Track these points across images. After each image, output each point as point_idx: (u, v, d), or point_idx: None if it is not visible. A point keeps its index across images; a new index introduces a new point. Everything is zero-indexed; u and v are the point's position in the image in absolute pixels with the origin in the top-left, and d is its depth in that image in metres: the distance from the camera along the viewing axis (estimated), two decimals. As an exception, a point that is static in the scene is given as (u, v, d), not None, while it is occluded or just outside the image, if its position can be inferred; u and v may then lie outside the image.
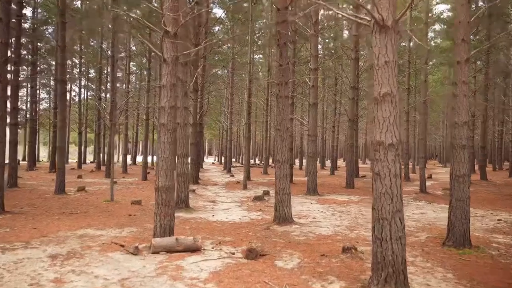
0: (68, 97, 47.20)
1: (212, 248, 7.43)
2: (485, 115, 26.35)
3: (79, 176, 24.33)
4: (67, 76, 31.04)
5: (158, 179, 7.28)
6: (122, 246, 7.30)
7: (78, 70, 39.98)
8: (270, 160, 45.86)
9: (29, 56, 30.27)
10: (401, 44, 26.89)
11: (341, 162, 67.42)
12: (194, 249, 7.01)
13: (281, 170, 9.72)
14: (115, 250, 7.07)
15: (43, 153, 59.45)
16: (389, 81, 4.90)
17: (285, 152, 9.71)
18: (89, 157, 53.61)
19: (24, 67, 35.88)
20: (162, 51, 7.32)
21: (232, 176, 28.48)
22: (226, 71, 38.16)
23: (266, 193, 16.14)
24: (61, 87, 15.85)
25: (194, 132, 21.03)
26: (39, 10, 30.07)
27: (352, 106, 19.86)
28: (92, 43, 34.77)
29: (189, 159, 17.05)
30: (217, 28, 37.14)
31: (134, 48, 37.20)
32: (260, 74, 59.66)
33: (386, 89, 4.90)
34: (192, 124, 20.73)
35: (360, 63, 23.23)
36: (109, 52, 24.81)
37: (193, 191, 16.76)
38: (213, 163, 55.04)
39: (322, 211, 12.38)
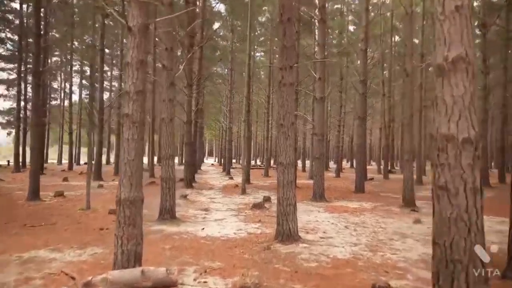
0: (62, 96, 45.45)
1: (194, 280, 5.58)
2: None
3: (65, 179, 22.50)
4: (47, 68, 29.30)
5: (120, 190, 5.42)
6: (73, 278, 5.46)
7: (69, 67, 38.19)
8: (272, 161, 44.03)
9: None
10: None
11: (344, 164, 65.30)
12: (167, 285, 5.15)
13: (284, 175, 7.86)
14: (60, 286, 5.22)
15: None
16: (462, 38, 3.05)
17: (289, 152, 7.85)
18: (85, 158, 51.84)
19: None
20: (126, 17, 5.47)
21: (231, 178, 26.62)
22: (226, 70, 36.37)
23: (267, 199, 14.27)
24: (35, 79, 14.01)
25: (188, 131, 19.19)
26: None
27: (361, 102, 17.98)
28: (86, 39, 33.01)
29: (181, 160, 15.27)
30: (217, 25, 35.44)
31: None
32: (262, 73, 57.95)
33: (458, 51, 3.05)
34: (186, 122, 18.94)
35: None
36: (97, 44, 23.02)
37: (185, 196, 14.90)
38: (212, 164, 53.19)
39: (333, 223, 10.50)
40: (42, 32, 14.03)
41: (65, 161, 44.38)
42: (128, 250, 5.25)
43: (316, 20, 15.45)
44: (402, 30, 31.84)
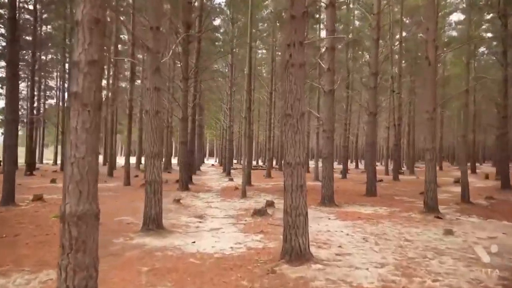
0: (58, 94, 43.98)
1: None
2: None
3: (52, 180, 20.98)
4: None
5: (64, 201, 3.83)
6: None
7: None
8: (274, 162, 42.46)
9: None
10: None
11: (347, 164, 63.56)
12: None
13: (293, 178, 6.29)
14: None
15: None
16: None
17: (299, 150, 6.28)
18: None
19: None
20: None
21: (231, 179, 25.05)
22: (226, 68, 34.85)
23: (270, 204, 12.70)
24: (11, 69, 12.48)
25: (184, 128, 17.63)
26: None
27: (372, 96, 16.40)
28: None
29: (173, 161, 13.75)
30: (218, 21, 33.92)
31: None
32: (264, 71, 56.38)
33: None
34: (181, 119, 17.38)
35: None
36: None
37: (178, 201, 13.34)
38: (212, 164, 51.66)
39: (348, 234, 8.91)
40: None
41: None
42: (75, 286, 3.68)
43: (324, 5, 13.86)
44: (411, 24, 30.42)
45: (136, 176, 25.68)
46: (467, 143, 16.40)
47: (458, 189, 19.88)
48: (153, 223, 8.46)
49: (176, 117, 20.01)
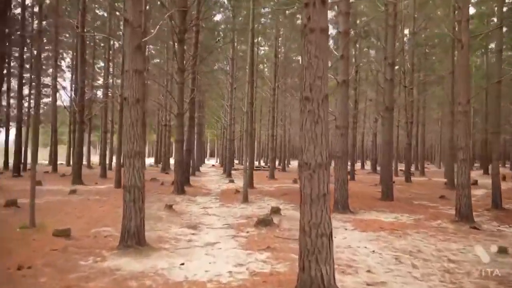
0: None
1: None
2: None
3: (38, 183, 19.29)
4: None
5: None
6: None
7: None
8: (277, 162, 40.80)
9: None
10: None
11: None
12: None
13: (313, 185, 4.61)
14: None
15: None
16: None
17: (321, 146, 4.61)
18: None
19: None
20: None
21: (232, 181, 23.39)
22: (227, 66, 33.25)
23: (276, 210, 11.02)
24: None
25: (180, 125, 15.99)
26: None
27: (389, 89, 14.72)
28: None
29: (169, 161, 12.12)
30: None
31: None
32: (265, 69, 54.71)
33: None
34: (177, 114, 15.76)
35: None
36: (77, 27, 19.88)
37: (170, 207, 11.66)
38: (213, 165, 50.03)
39: (374, 251, 7.24)
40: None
41: (60, 162, 41.25)
42: None
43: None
44: (420, 17, 28.60)
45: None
46: (498, 141, 14.67)
47: (478, 192, 18.28)
48: (133, 238, 6.80)
49: (173, 114, 18.29)
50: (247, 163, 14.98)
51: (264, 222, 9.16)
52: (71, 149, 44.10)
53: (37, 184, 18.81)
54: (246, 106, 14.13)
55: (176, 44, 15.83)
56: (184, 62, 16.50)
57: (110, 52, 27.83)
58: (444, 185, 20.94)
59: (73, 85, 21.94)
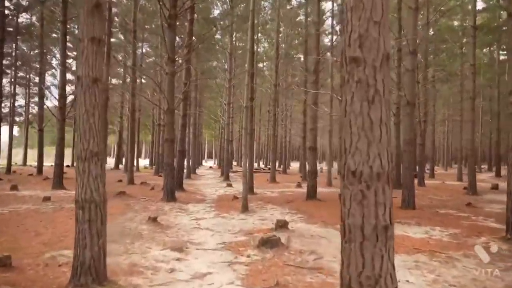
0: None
1: None
2: None
3: (14, 187, 17.26)
4: None
5: None
6: None
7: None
8: (277, 164, 38.89)
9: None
10: None
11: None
12: None
13: (365, 209, 2.65)
14: None
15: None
16: None
17: (378, 144, 2.65)
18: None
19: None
20: None
21: (230, 185, 21.43)
22: (226, 64, 31.33)
23: (282, 225, 9.03)
24: None
25: (170, 122, 14.03)
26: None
27: (410, 81, 12.79)
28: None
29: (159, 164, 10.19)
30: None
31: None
32: (265, 68, 52.81)
33: None
34: (166, 110, 13.82)
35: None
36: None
37: (155, 219, 9.67)
38: (211, 167, 48.07)
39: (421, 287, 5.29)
40: None
41: (47, 164, 39.16)
42: None
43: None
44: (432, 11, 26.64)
45: (120, 181, 22.08)
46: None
47: (502, 197, 16.34)
48: (88, 273, 4.84)
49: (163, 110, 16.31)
50: (247, 166, 13.02)
51: (269, 242, 7.18)
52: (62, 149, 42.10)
53: (12, 189, 16.93)
54: (246, 100, 12.16)
55: (165, 30, 13.87)
56: (178, 52, 14.58)
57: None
58: (464, 190, 19.01)
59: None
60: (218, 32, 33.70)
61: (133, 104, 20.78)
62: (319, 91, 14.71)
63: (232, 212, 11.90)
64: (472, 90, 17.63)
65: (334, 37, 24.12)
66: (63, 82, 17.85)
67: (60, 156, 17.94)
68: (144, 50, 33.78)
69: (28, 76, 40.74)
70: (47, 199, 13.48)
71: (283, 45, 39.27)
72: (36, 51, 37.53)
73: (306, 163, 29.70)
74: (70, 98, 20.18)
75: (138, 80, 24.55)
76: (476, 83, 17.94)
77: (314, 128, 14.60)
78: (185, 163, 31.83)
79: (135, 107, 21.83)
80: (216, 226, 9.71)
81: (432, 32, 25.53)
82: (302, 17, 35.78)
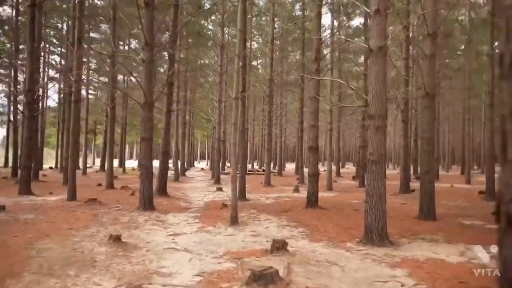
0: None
1: None
2: None
3: (-29, 193, 15.23)
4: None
5: None
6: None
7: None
8: (271, 165, 36.94)
9: None
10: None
11: (350, 167, 55.89)
12: None
13: None
14: None
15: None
16: None
17: None
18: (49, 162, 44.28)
19: None
20: None
21: (220, 189, 19.42)
22: (217, 59, 29.33)
23: (280, 246, 6.99)
24: None
25: (148, 118, 12.02)
26: None
27: (430, 69, 10.88)
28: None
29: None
30: None
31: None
32: (259, 65, 50.89)
33: None
34: (143, 104, 11.83)
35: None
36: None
37: (117, 238, 7.62)
38: (202, 168, 46.02)
39: None
40: None
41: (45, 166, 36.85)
42: None
43: None
44: None
45: (99, 185, 19.98)
46: None
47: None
48: None
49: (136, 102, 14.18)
50: (237, 168, 11.04)
51: (262, 278, 5.16)
52: (41, 150, 39.79)
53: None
54: (235, 91, 10.18)
55: (142, 10, 11.85)
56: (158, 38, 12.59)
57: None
58: (479, 194, 17.15)
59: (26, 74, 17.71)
60: (210, 24, 31.79)
61: (112, 99, 18.69)
62: (322, 80, 12.79)
63: (219, 225, 9.91)
64: (490, 82, 15.79)
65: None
66: (31, 73, 15.74)
67: (27, 158, 15.84)
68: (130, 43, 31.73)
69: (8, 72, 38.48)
70: (1, 209, 11.38)
71: (278, 42, 37.47)
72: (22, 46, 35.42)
73: (302, 165, 27.89)
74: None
75: (133, 79, 22.30)
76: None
77: (315, 125, 12.64)
78: (176, 165, 29.73)
79: (115, 103, 19.73)
80: (196, 246, 7.70)
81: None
82: (299, 13, 33.97)
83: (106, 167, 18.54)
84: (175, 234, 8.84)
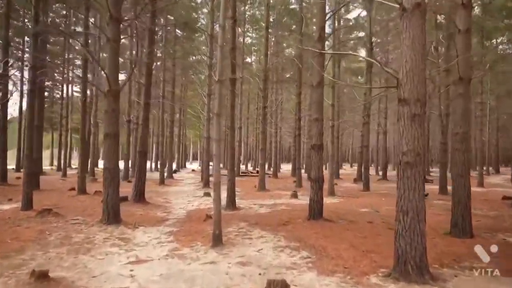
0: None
1: None
2: None
3: None
4: None
5: None
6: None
7: None
8: (266, 166, 34.74)
9: None
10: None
11: (347, 168, 53.50)
12: None
13: None
14: None
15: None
16: None
17: None
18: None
19: None
20: None
21: (208, 194, 17.05)
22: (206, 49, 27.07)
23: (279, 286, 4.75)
24: None
25: (112, 109, 9.71)
26: None
27: (465, 46, 8.63)
28: None
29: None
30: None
31: None
32: (253, 62, 48.66)
33: None
34: (107, 92, 9.56)
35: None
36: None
37: (42, 276, 5.30)
38: (193, 170, 43.61)
39: None
40: None
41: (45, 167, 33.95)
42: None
43: None
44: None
45: (72, 189, 17.58)
46: None
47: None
48: None
49: (99, 90, 11.77)
50: (220, 172, 8.78)
51: None
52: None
53: None
54: (219, 72, 7.91)
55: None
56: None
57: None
58: (503, 200, 15.03)
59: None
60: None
61: (84, 91, 16.36)
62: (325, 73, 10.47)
63: (198, 245, 7.64)
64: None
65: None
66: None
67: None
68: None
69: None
70: None
71: (273, 39, 35.33)
72: None
73: (300, 166, 25.68)
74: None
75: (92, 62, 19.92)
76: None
77: (320, 118, 10.37)
78: (162, 167, 27.24)
79: (87, 96, 17.36)
80: (161, 284, 5.44)
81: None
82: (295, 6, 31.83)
83: (78, 171, 16.17)
84: (136, 262, 6.57)
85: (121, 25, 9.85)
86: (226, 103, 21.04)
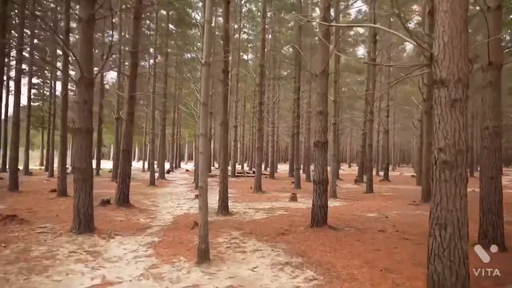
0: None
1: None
2: None
3: None
4: None
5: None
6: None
7: None
8: (263, 166, 33.49)
9: None
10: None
11: (348, 168, 52.42)
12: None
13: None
14: None
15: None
16: None
17: None
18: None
19: None
20: None
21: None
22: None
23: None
24: None
25: (83, 101, 8.38)
26: None
27: (496, 25, 7.37)
28: None
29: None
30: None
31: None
32: (249, 60, 47.38)
33: None
34: (79, 80, 8.27)
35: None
36: None
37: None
38: (187, 170, 42.23)
39: None
40: None
41: (32, 166, 32.50)
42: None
43: None
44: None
45: (53, 191, 16.21)
46: None
47: None
48: None
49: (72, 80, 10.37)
50: (206, 175, 7.48)
51: None
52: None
53: None
54: (205, 53, 6.66)
55: None
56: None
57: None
58: None
59: None
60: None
61: (66, 84, 15.01)
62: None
63: (180, 261, 6.35)
64: None
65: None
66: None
67: None
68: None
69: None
70: None
71: (270, 37, 34.08)
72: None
73: (299, 167, 24.39)
74: None
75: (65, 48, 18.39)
76: None
77: (324, 111, 9.07)
78: (152, 167, 25.88)
79: (67, 89, 15.98)
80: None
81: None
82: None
83: (59, 171, 14.81)
84: (102, 285, 5.26)
85: (97, 3, 8.51)
86: (217, 96, 19.70)
